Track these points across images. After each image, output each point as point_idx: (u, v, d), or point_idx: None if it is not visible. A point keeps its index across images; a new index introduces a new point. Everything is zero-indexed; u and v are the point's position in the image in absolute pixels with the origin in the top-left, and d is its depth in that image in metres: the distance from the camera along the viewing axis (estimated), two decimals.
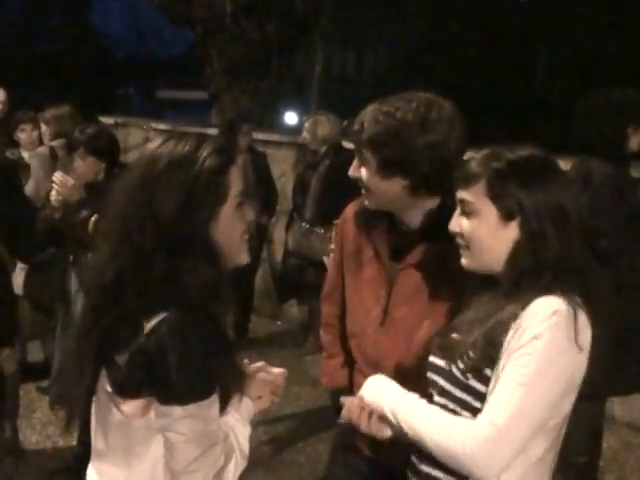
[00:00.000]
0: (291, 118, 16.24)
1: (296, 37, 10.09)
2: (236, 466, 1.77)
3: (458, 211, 1.83)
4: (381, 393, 1.90)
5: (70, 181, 3.67)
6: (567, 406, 1.76)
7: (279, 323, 7.36)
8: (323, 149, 6.05)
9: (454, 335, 1.85)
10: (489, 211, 1.75)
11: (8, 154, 5.56)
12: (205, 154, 1.69)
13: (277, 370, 2.02)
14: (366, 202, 2.24)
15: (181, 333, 1.59)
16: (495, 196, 1.74)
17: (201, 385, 1.63)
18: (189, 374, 1.60)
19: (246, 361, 2.00)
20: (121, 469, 1.73)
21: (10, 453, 4.33)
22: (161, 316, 1.61)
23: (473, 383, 1.76)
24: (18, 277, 4.14)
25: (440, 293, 2.20)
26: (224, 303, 1.73)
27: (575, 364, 1.68)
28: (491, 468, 1.65)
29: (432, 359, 1.91)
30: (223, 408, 1.76)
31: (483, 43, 11.88)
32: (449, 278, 2.11)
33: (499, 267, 1.78)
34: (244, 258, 1.84)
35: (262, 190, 6.50)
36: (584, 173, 3.75)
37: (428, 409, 1.79)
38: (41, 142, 5.72)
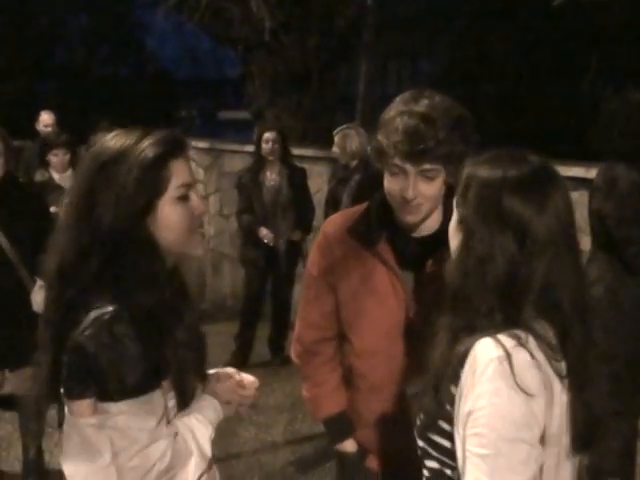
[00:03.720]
0: None
1: (338, 52, 10.04)
2: (196, 467, 1.76)
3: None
4: None
5: None
6: (548, 457, 1.56)
7: None
8: (353, 163, 5.97)
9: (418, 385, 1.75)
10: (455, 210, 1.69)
11: (38, 175, 5.64)
12: (142, 147, 1.72)
13: (250, 378, 1.98)
14: (413, 218, 2.14)
15: (112, 330, 1.61)
16: (457, 199, 1.67)
17: (134, 382, 1.62)
18: (120, 371, 1.61)
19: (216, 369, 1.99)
20: (83, 466, 1.73)
21: (33, 474, 4.35)
22: (97, 312, 1.63)
23: (431, 435, 1.65)
24: (37, 295, 4.13)
25: None
26: (170, 297, 1.73)
27: (526, 412, 1.49)
28: None
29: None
30: (183, 404, 1.77)
31: (530, 50, 11.70)
32: None
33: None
34: (197, 251, 1.83)
35: (297, 206, 6.45)
36: (609, 179, 3.61)
37: None
38: (72, 164, 5.77)
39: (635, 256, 3.51)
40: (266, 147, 6.30)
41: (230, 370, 1.97)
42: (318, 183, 7.18)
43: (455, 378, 1.57)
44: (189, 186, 1.77)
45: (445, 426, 1.61)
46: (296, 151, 7.05)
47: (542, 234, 1.54)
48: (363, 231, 2.25)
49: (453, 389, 1.58)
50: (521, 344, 1.51)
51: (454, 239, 1.68)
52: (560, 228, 1.57)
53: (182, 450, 1.72)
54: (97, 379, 1.63)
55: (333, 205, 6.04)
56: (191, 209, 1.77)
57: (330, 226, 2.36)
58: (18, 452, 4.55)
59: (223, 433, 4.78)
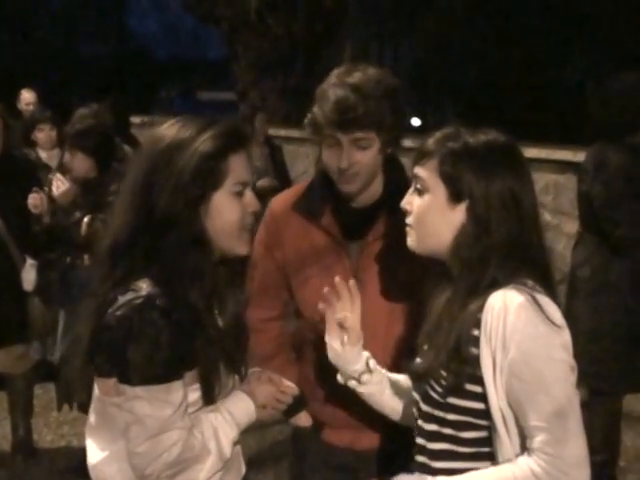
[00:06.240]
0: None
1: (323, 33, 10.01)
2: (212, 466, 1.73)
3: (412, 188, 1.79)
4: None
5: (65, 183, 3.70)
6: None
7: None
8: None
9: (421, 356, 1.78)
10: (439, 190, 1.71)
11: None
12: (204, 138, 1.70)
13: (288, 383, 1.94)
14: (351, 187, 2.16)
15: (140, 315, 1.60)
16: (445, 175, 1.70)
17: (155, 369, 1.61)
18: (141, 356, 1.60)
19: (258, 369, 1.96)
20: (109, 444, 1.74)
21: (21, 452, 4.35)
22: (131, 295, 1.62)
23: (451, 400, 1.69)
24: (29, 273, 4.13)
25: (408, 264, 2.10)
26: (211, 290, 1.72)
27: (563, 341, 1.61)
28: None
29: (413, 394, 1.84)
30: (208, 399, 1.74)
31: (513, 35, 11.72)
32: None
33: (444, 252, 1.73)
34: (242, 249, 1.79)
35: (280, 184, 6.47)
36: (598, 161, 3.63)
37: (479, 472, 1.68)
38: (59, 142, 5.71)
39: (621, 238, 3.55)
40: (261, 130, 6.35)
41: (272, 374, 1.94)
42: (305, 164, 7.19)
43: (471, 340, 1.62)
44: (245, 184, 1.76)
45: (474, 388, 1.64)
46: (282, 132, 7.06)
47: (529, 204, 1.69)
48: (307, 205, 2.28)
49: (474, 350, 1.63)
50: (535, 289, 1.61)
51: (442, 215, 1.71)
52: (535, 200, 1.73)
53: (197, 446, 1.70)
54: (119, 361, 1.63)
55: None
56: (244, 206, 1.76)
57: (276, 203, 2.38)
58: (6, 431, 4.55)
59: None
